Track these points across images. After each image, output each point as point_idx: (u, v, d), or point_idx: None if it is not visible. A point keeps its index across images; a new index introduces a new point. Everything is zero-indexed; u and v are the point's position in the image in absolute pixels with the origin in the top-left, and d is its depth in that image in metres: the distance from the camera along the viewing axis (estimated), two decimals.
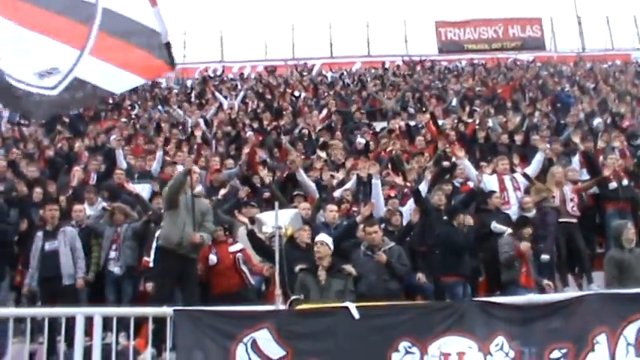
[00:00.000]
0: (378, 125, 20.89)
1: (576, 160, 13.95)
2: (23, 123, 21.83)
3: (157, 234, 10.51)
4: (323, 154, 16.05)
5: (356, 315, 7.23)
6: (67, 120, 21.48)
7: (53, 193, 13.38)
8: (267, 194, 12.93)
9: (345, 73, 31.43)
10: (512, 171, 13.08)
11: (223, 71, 33.87)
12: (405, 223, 11.64)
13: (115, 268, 11.17)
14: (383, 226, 10.99)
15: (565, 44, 39.70)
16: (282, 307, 7.76)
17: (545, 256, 11.25)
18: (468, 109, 21.76)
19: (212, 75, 32.48)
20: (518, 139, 16.38)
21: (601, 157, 13.84)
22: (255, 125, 20.09)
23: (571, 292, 9.50)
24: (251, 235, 10.27)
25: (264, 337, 7.08)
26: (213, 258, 10.64)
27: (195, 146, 17.25)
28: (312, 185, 13.31)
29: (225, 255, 10.66)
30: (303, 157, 15.67)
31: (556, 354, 7.50)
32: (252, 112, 22.52)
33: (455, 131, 17.49)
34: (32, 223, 11.96)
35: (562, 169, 12.75)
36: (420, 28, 39.50)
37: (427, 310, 7.83)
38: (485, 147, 16.05)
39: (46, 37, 7.63)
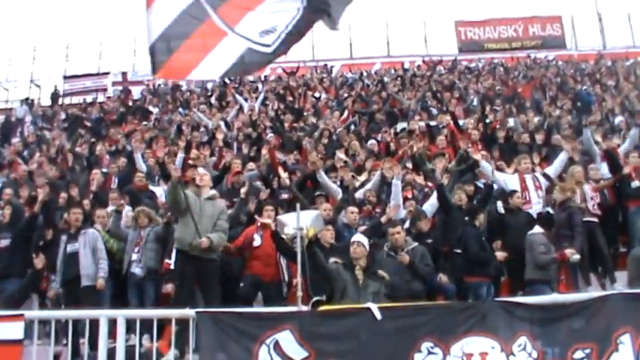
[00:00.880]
0: (399, 126, 20.81)
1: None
2: (46, 127, 22.02)
3: None
4: (343, 155, 16.02)
5: (378, 316, 7.23)
6: (88, 124, 21.65)
7: (76, 197, 13.48)
8: (285, 196, 12.97)
9: (364, 73, 31.40)
10: (533, 170, 13.02)
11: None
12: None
13: (137, 269, 11.23)
14: (406, 226, 11.04)
15: (586, 42, 39.64)
16: (304, 308, 7.76)
17: (576, 256, 11.17)
18: (488, 108, 21.71)
19: (232, 77, 32.50)
20: (539, 138, 16.32)
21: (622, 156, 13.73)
22: (276, 126, 20.11)
23: (594, 292, 9.46)
24: (275, 236, 10.26)
25: (286, 339, 7.08)
26: (258, 238, 10.73)
27: (217, 149, 17.30)
28: (334, 186, 13.29)
29: (269, 241, 10.58)
30: (323, 158, 15.63)
31: (579, 354, 7.46)
32: (273, 113, 22.55)
33: (476, 131, 17.45)
34: (56, 227, 12.04)
35: (582, 168, 12.68)
36: (440, 27, 39.61)
37: (449, 311, 7.81)
38: (506, 146, 15.96)
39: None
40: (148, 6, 8.98)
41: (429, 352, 7.25)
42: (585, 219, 11.60)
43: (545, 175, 12.62)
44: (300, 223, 8.24)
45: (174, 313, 7.73)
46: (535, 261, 10.54)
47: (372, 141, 17.74)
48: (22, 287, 10.45)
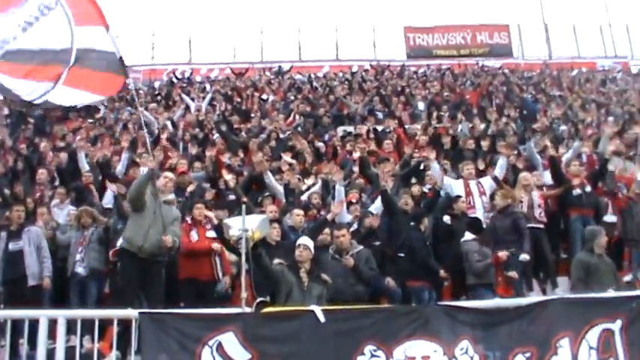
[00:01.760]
0: (345, 129, 20.84)
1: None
2: None
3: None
4: (289, 158, 16.01)
5: (322, 318, 7.22)
6: (31, 120, 21.32)
7: (19, 194, 13.28)
8: (233, 197, 12.92)
9: (313, 76, 31.42)
10: (479, 176, 13.17)
11: (192, 73, 33.72)
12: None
13: (80, 269, 11.06)
14: (355, 227, 11.09)
15: (532, 51, 40.14)
16: (247, 309, 7.72)
17: (525, 255, 11.27)
18: (435, 114, 21.90)
19: (180, 77, 32.30)
20: (485, 144, 16.50)
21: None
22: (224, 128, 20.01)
23: (535, 297, 9.59)
24: (222, 238, 10.23)
25: (229, 340, 7.04)
26: (194, 235, 10.69)
27: (162, 148, 17.16)
28: (280, 188, 13.26)
29: (202, 237, 10.64)
30: (269, 160, 15.59)
31: (520, 358, 7.58)
32: (220, 115, 22.43)
33: (423, 136, 17.60)
34: None
35: (530, 175, 12.86)
36: (389, 33, 39.68)
37: (393, 314, 7.84)
38: (452, 152, 16.10)
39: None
40: None
41: (372, 355, 7.27)
42: (531, 225, 11.76)
43: (495, 179, 12.77)
44: (246, 225, 8.21)
45: (116, 313, 7.61)
46: (472, 269, 10.71)
47: (319, 144, 17.76)
48: None
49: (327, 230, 10.55)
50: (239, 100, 25.42)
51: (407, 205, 11.79)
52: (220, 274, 10.73)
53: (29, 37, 10.91)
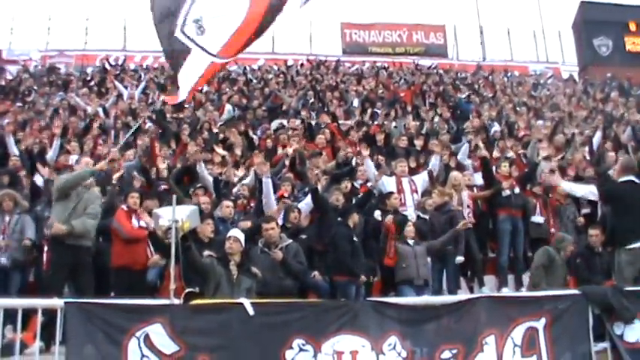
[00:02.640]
0: (278, 122, 20.79)
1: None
2: None
3: None
4: (221, 150, 15.92)
5: (250, 311, 7.20)
6: None
7: None
8: (164, 187, 12.78)
9: (248, 68, 31.24)
10: (412, 174, 13.28)
11: (125, 60, 33.19)
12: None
13: (2, 259, 10.77)
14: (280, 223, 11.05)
15: (467, 53, 40.64)
16: (176, 301, 7.64)
17: (460, 258, 11.57)
18: (369, 111, 21.99)
19: (113, 64, 31.76)
20: (418, 143, 16.63)
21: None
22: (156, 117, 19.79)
23: (463, 295, 9.71)
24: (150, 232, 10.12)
25: (157, 332, 6.96)
26: (135, 222, 10.54)
27: (93, 135, 16.90)
28: (210, 180, 13.18)
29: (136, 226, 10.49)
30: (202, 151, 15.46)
31: (447, 354, 7.70)
32: (154, 104, 22.16)
33: (356, 132, 17.68)
34: None
35: (461, 175, 13.02)
36: (326, 28, 39.65)
37: (321, 309, 7.87)
38: (385, 150, 16.19)
39: None
40: None
41: (300, 350, 7.28)
42: None
43: (430, 174, 12.90)
44: (176, 215, 8.12)
45: (40, 302, 7.42)
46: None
47: (253, 136, 17.70)
48: None
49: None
50: None
51: (338, 202, 11.83)
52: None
53: None
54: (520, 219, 12.65)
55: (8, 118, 18.36)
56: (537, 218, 12.94)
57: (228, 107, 21.80)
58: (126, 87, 24.89)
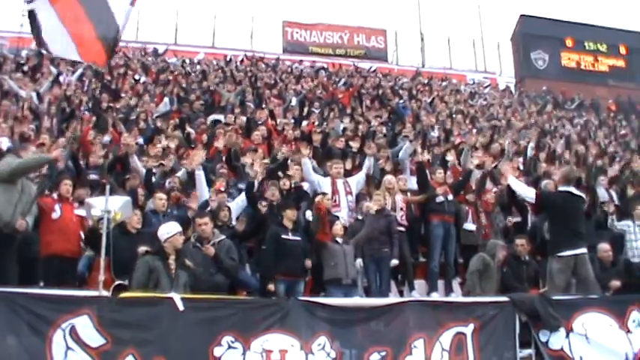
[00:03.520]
0: (215, 117, 20.62)
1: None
2: None
3: None
4: (159, 143, 15.72)
5: (180, 307, 7.14)
6: None
7: None
8: (94, 176, 12.58)
9: (187, 61, 30.97)
10: (347, 175, 13.29)
11: None
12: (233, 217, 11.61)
13: None
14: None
15: (406, 58, 40.96)
16: (105, 293, 7.50)
17: (394, 261, 11.60)
18: (307, 110, 21.99)
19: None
20: (354, 145, 16.66)
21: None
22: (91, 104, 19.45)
23: (393, 299, 9.76)
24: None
25: (83, 324, 6.86)
26: (57, 210, 10.15)
27: (24, 118, 16.52)
28: (143, 172, 12.98)
29: (68, 214, 10.16)
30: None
31: (375, 357, 7.76)
32: (89, 92, 21.79)
33: (293, 131, 17.66)
34: None
35: (394, 178, 13.07)
36: (267, 25, 39.60)
37: (252, 306, 7.86)
38: (321, 150, 16.18)
39: None
40: None
41: (230, 347, 7.26)
42: None
43: (368, 177, 12.96)
44: (109, 206, 8.00)
45: None
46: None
47: (190, 130, 17.53)
48: None
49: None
50: (109, 78, 24.72)
51: (273, 197, 11.78)
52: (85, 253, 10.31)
53: None
54: (452, 225, 12.75)
55: None
56: (469, 225, 13.06)
57: (165, 99, 21.55)
58: (62, 73, 24.37)
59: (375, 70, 34.78)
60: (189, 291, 8.33)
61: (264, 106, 22.02)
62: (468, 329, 8.33)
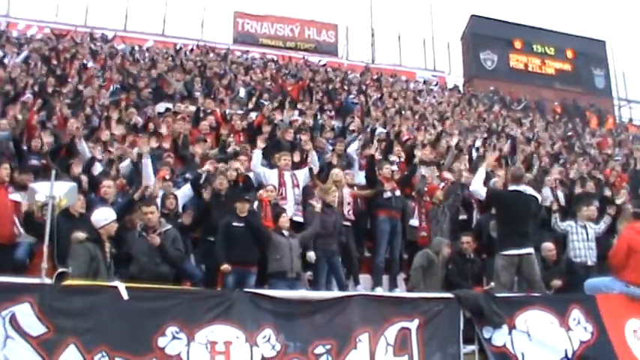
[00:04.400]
0: (163, 106, 20.47)
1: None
2: None
3: None
4: (107, 130, 15.52)
5: (125, 296, 7.06)
6: None
7: None
8: (35, 162, 12.35)
9: (136, 48, 30.64)
10: (294, 168, 13.27)
11: (7, 27, 31.88)
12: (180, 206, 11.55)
13: None
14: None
15: (357, 54, 41.10)
16: (47, 280, 7.35)
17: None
18: (255, 101, 21.91)
19: None
20: (303, 138, 16.65)
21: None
22: (37, 88, 19.10)
23: (338, 292, 9.77)
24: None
25: (24, 312, 6.71)
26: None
27: None
28: (89, 157, 12.79)
29: (3, 199, 9.93)
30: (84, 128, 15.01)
31: (320, 350, 7.75)
32: (35, 75, 21.39)
33: (241, 121, 17.58)
34: None
35: (342, 172, 13.08)
36: (218, 15, 39.37)
37: (197, 297, 7.82)
38: (270, 142, 16.12)
39: None
40: None
41: (174, 337, 7.20)
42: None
43: (310, 170, 12.95)
44: (54, 192, 7.87)
45: None
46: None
47: (137, 117, 17.34)
48: None
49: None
50: (56, 62, 24.33)
51: (221, 187, 11.73)
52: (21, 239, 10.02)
53: None
54: (399, 221, 12.83)
55: None
56: (414, 221, 13.15)
57: (112, 86, 21.31)
58: (6, 55, 23.93)
59: (325, 65, 34.80)
60: (128, 280, 8.23)
61: (213, 96, 21.88)
62: (413, 324, 8.38)
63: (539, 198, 11.72)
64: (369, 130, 18.84)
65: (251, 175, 13.05)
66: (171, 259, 9.56)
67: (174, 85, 23.00)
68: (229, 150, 14.42)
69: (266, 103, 21.87)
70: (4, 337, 6.67)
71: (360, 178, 14.30)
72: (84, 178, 11.39)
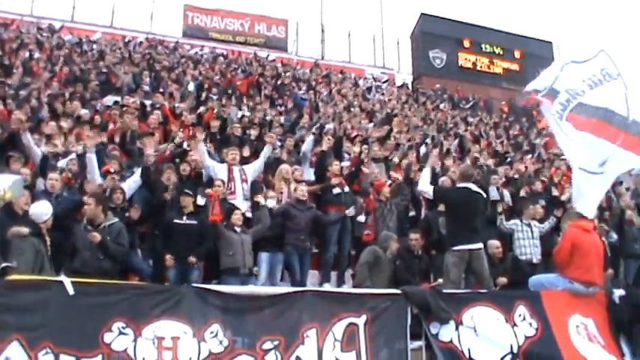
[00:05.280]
0: (110, 99, 20.24)
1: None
2: None
3: None
4: (53, 122, 15.28)
5: (70, 291, 6.97)
6: None
7: None
8: None
9: (84, 40, 30.25)
10: (243, 163, 13.22)
11: None
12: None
13: None
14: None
15: (306, 50, 41.14)
16: None
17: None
18: (204, 95, 21.78)
19: None
20: (253, 133, 16.61)
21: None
22: None
23: (286, 288, 9.76)
24: None
25: None
26: None
27: None
28: (37, 151, 12.55)
29: None
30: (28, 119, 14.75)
31: (268, 345, 7.76)
32: None
33: (190, 116, 17.46)
34: None
35: (290, 167, 13.08)
36: (168, 8, 39.11)
37: (144, 292, 7.76)
38: (219, 136, 16.05)
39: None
40: None
41: (120, 333, 7.15)
42: None
43: (265, 165, 12.97)
44: None
45: None
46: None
47: (84, 110, 17.09)
48: None
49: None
50: (1, 53, 23.92)
51: (169, 181, 11.64)
52: None
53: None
54: (348, 217, 12.82)
55: None
56: (362, 218, 13.17)
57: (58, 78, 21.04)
58: None
59: (274, 60, 34.79)
60: (72, 275, 8.12)
61: (161, 89, 21.71)
62: (361, 320, 8.42)
63: (485, 195, 11.79)
64: (317, 126, 18.87)
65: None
66: (112, 255, 9.43)
67: (121, 77, 22.76)
68: (176, 142, 14.27)
69: (214, 97, 21.77)
70: None
71: (310, 175, 14.29)
72: (25, 171, 11.18)
